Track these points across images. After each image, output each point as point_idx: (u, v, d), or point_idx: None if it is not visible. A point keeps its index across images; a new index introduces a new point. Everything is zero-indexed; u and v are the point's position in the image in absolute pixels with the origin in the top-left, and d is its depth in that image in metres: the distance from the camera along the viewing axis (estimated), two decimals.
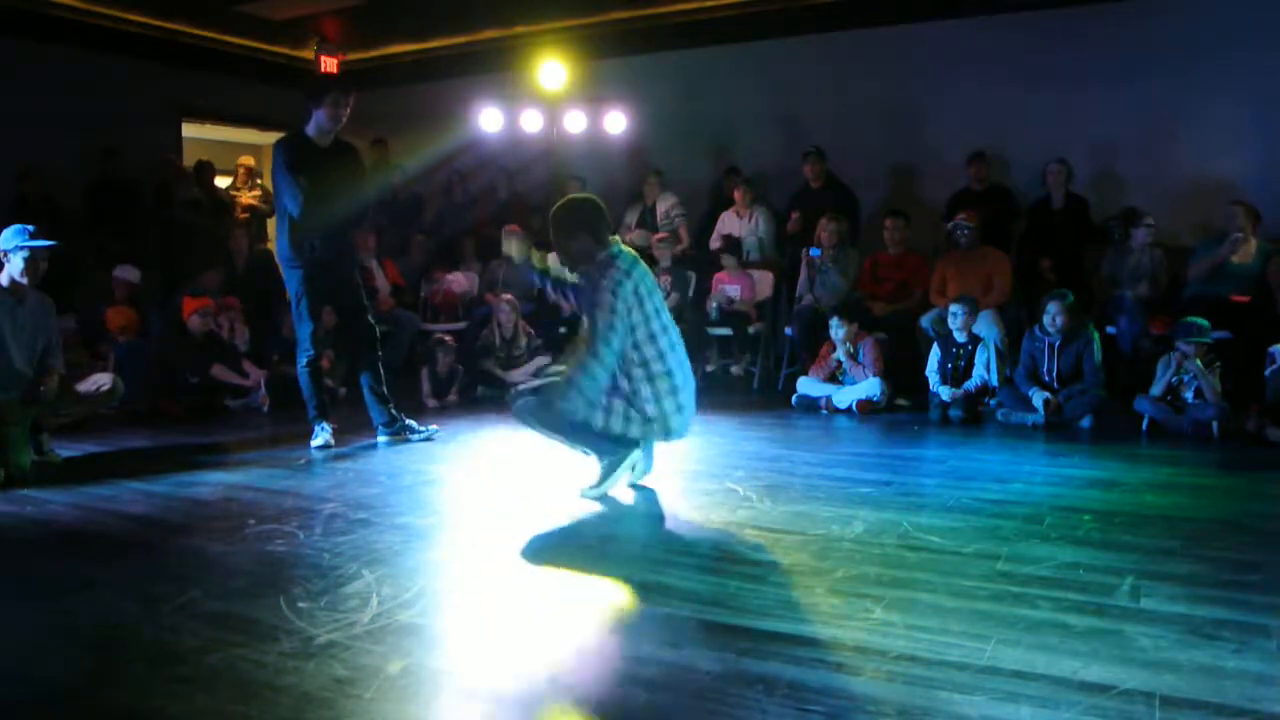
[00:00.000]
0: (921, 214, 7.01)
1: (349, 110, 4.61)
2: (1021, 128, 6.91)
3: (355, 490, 3.81)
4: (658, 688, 2.00)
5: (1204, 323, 4.99)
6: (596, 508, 3.57)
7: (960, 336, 5.64)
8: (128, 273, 6.46)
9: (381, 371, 4.88)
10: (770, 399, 6.51)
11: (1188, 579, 2.63)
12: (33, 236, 4.20)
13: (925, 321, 6.17)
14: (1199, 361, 4.93)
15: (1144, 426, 5.10)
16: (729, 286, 7.08)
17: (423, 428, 4.95)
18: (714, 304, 7.05)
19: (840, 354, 5.92)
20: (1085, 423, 5.18)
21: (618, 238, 3.78)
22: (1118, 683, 1.95)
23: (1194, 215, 6.36)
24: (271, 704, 1.90)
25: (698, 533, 3.17)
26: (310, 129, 4.60)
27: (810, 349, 6.32)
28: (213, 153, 9.28)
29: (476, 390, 6.46)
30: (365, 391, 4.90)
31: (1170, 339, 5.16)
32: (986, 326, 5.77)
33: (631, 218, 7.88)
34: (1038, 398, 5.25)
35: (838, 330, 5.88)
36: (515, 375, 6.47)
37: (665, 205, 7.70)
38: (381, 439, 4.87)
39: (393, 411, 4.91)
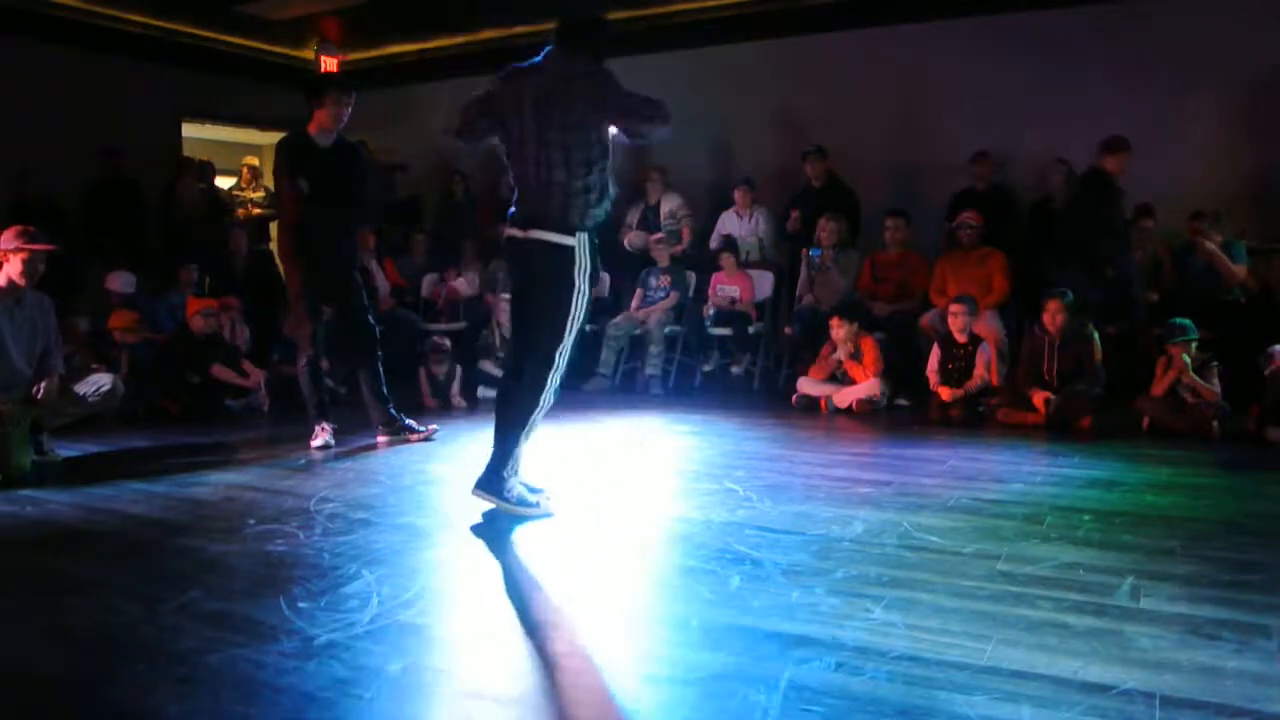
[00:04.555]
0: (922, 214, 7.00)
1: (350, 109, 4.62)
2: (1021, 128, 6.90)
3: (355, 490, 3.81)
4: (658, 688, 2.00)
5: (1188, 323, 5.01)
6: (596, 508, 3.57)
7: (960, 336, 5.64)
8: (120, 283, 6.43)
9: (381, 372, 4.89)
10: (770, 399, 6.51)
11: (1188, 579, 2.63)
12: (32, 238, 4.20)
13: (925, 322, 6.17)
14: (1187, 357, 4.95)
15: (1144, 426, 5.11)
16: (727, 287, 7.08)
17: (422, 427, 4.95)
18: (712, 310, 7.04)
19: (840, 354, 5.92)
20: (1085, 423, 5.19)
21: None
22: (1118, 683, 1.95)
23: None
24: (271, 704, 1.90)
25: (698, 533, 3.17)
26: (312, 129, 4.61)
27: (810, 349, 6.32)
28: (213, 153, 9.28)
29: (477, 390, 6.46)
30: (365, 391, 4.90)
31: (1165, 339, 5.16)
32: (987, 327, 5.77)
33: (633, 217, 7.87)
34: (1038, 398, 5.25)
35: (838, 330, 5.88)
36: None
37: (671, 205, 7.69)
38: (381, 439, 4.87)
39: (392, 411, 4.91)
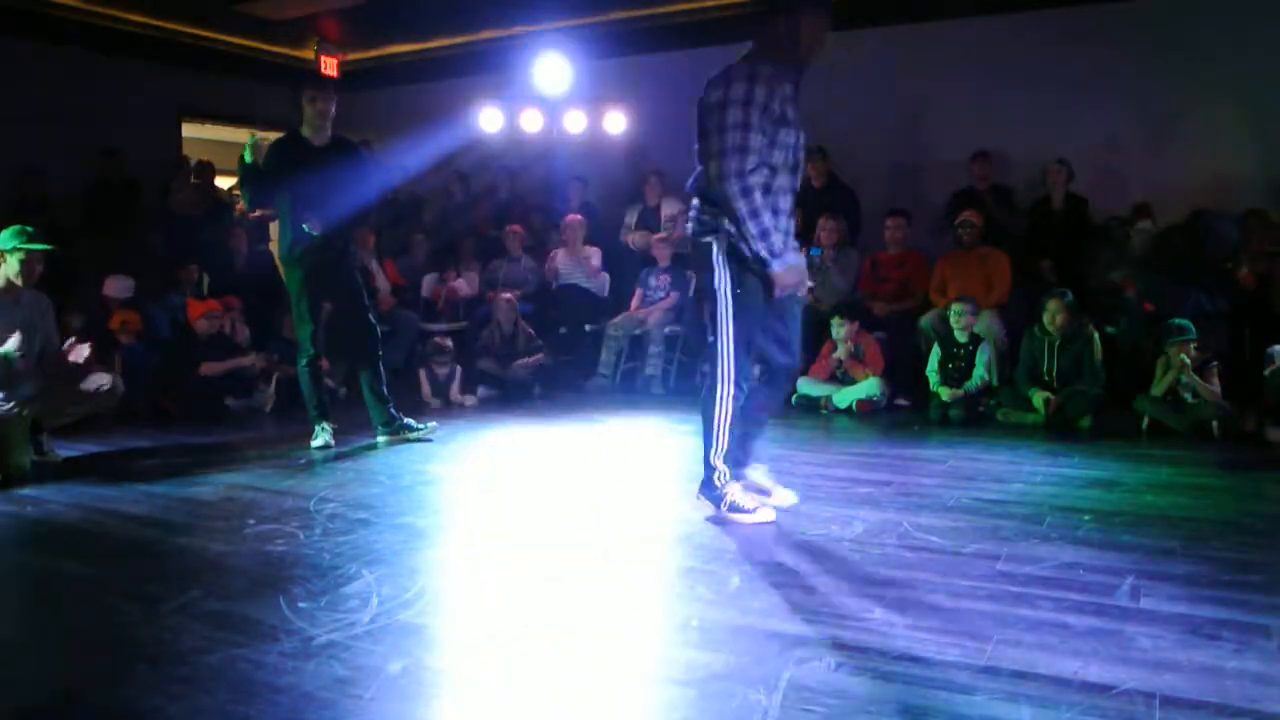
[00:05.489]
0: (922, 214, 7.00)
1: (329, 104, 4.62)
2: (1021, 128, 6.90)
3: (355, 490, 3.81)
4: (658, 688, 2.00)
5: (1187, 323, 5.02)
6: (594, 508, 3.57)
7: (960, 336, 5.64)
8: (117, 288, 6.39)
9: (382, 371, 4.88)
10: None
11: (1188, 579, 2.62)
12: (31, 238, 4.19)
13: (925, 322, 6.17)
14: (1186, 358, 4.96)
15: (1144, 426, 5.11)
16: None
17: (420, 425, 4.94)
18: None
19: (840, 354, 5.92)
20: (1085, 423, 5.19)
21: None
22: (1118, 683, 1.95)
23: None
24: (271, 704, 1.90)
25: (698, 533, 3.17)
26: (304, 128, 4.62)
27: (810, 349, 6.32)
28: (213, 153, 9.27)
29: (477, 390, 6.46)
30: (365, 391, 4.90)
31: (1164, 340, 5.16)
32: (986, 326, 5.78)
33: (631, 218, 7.88)
34: (1038, 398, 5.25)
35: (838, 330, 5.88)
36: (515, 368, 6.49)
37: (672, 210, 7.71)
38: (381, 439, 4.86)
39: (392, 411, 4.91)
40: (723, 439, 3.23)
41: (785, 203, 3.07)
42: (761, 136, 2.95)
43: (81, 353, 4.29)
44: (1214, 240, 5.93)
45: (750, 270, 3.09)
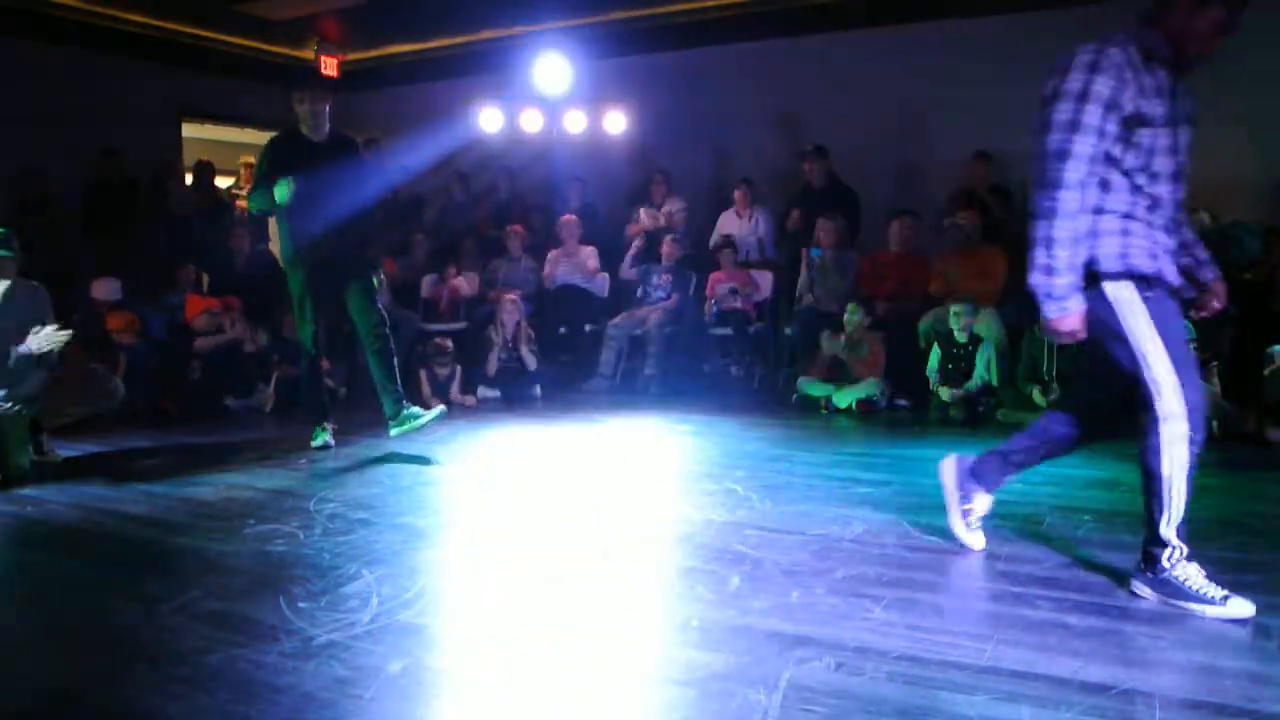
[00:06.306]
0: (923, 214, 7.00)
1: (319, 104, 4.60)
2: (1021, 128, 6.86)
3: (355, 490, 3.81)
4: (658, 688, 2.00)
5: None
6: (594, 508, 3.57)
7: (960, 337, 5.64)
8: (105, 290, 6.36)
9: (393, 361, 4.72)
10: (770, 399, 6.51)
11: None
12: (2, 242, 4.17)
13: (925, 322, 6.17)
14: None
15: None
16: (725, 285, 7.10)
17: (426, 412, 4.78)
18: (715, 308, 7.05)
19: (841, 346, 5.94)
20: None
21: None
22: (1118, 683, 1.95)
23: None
24: (271, 704, 1.90)
25: (698, 533, 3.17)
26: (301, 126, 4.63)
27: (810, 349, 6.32)
28: (213, 153, 9.28)
29: (477, 390, 6.46)
30: (376, 381, 4.73)
31: None
32: (987, 326, 5.78)
33: (639, 214, 7.91)
34: (1038, 397, 5.25)
35: (851, 316, 5.90)
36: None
37: (672, 207, 7.73)
38: (393, 431, 4.66)
39: (402, 402, 4.77)
40: (1176, 500, 2.38)
41: (1158, 217, 2.44)
42: (1100, 140, 2.36)
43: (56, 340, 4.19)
44: (1238, 251, 5.95)
45: (1145, 278, 2.41)
